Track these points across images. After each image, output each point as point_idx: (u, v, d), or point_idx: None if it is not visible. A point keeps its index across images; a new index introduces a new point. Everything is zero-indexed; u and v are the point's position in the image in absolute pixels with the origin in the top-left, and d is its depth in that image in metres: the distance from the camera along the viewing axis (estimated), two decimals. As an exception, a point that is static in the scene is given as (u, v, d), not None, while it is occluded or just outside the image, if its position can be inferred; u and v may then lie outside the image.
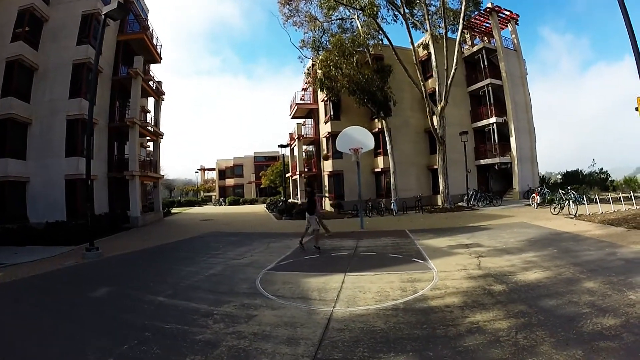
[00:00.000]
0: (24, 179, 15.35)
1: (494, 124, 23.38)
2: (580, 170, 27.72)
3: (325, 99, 24.33)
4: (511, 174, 23.65)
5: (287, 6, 22.79)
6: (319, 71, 20.62)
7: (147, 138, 22.81)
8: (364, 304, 4.67)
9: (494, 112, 23.41)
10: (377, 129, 22.54)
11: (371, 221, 15.77)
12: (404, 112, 23.72)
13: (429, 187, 24.41)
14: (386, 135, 21.37)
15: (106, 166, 18.02)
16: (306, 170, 27.90)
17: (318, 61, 21.02)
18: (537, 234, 9.63)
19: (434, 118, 20.53)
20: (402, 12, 20.26)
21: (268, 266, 7.22)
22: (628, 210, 12.57)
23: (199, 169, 61.38)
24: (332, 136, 24.01)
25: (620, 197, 14.50)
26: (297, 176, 28.27)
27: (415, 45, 21.27)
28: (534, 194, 17.90)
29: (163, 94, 22.87)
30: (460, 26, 19.88)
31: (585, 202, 13.39)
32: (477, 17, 24.30)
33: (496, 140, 23.42)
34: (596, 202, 13.77)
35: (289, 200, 27.22)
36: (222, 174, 56.82)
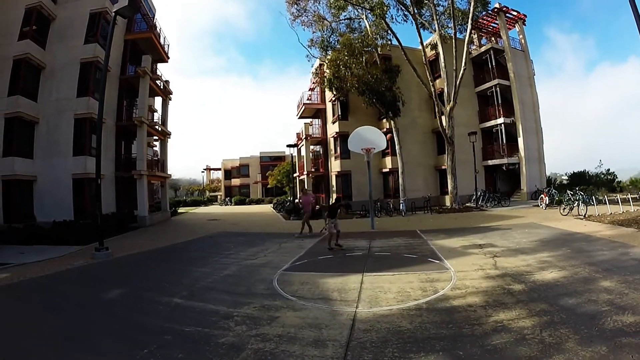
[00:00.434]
0: (31, 178, 15.55)
1: (502, 125, 23.57)
2: (587, 171, 27.86)
3: (333, 98, 24.56)
4: (519, 174, 23.84)
5: (295, 6, 23.02)
6: (328, 71, 20.81)
7: (155, 137, 22.96)
8: (386, 304, 4.79)
9: (501, 112, 23.60)
10: (385, 129, 22.66)
11: (380, 221, 15.95)
12: (412, 113, 23.94)
13: (436, 188, 24.66)
14: (394, 135, 21.55)
15: (114, 165, 18.21)
16: (313, 170, 28.14)
17: (327, 61, 21.24)
18: (549, 235, 9.82)
19: (443, 118, 20.72)
20: (412, 12, 20.49)
21: (283, 267, 7.34)
22: (637, 211, 12.75)
23: (204, 169, 61.72)
24: (340, 136, 24.37)
25: (628, 198, 14.70)
26: (305, 176, 28.53)
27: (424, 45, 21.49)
28: (542, 195, 18.09)
29: (170, 93, 23.02)
30: (469, 26, 20.10)
31: (594, 203, 13.58)
32: (484, 17, 24.51)
33: (504, 141, 23.60)
34: (605, 203, 13.97)
35: (297, 200, 27.47)
36: (228, 173, 57.35)
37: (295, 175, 27.49)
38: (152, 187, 23.13)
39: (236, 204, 44.39)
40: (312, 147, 29.43)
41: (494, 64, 24.36)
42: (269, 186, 45.47)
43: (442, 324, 4.05)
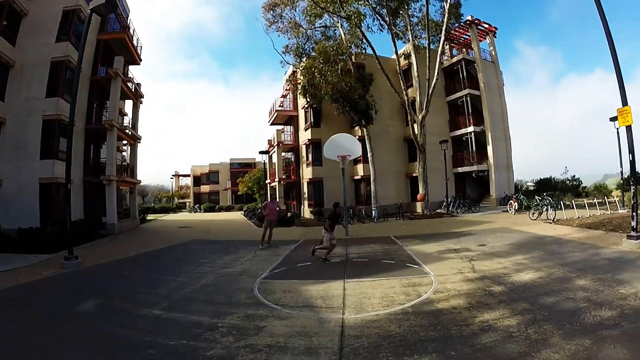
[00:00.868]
0: (-4, 182, 14.63)
1: (472, 133, 24.54)
2: (553, 178, 29.36)
3: (306, 106, 24.72)
4: (488, 181, 24.89)
5: (272, 12, 23.18)
6: (302, 78, 20.97)
7: (124, 142, 22.35)
8: (372, 309, 4.85)
9: (471, 121, 24.59)
10: (357, 137, 23.07)
11: (354, 228, 16.11)
12: (384, 121, 24.46)
13: (407, 195, 25.28)
14: (367, 142, 21.91)
15: (82, 170, 17.50)
16: (285, 177, 28.13)
17: (301, 68, 21.41)
18: (521, 238, 10.32)
19: (415, 126, 21.33)
20: (388, 22, 21.11)
21: (262, 275, 7.27)
22: (603, 215, 13.69)
23: (173, 175, 60.91)
24: (313, 143, 24.56)
25: (595, 203, 15.72)
26: (276, 183, 28.48)
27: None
28: (511, 201, 18.98)
29: (142, 96, 22.62)
30: (442, 37, 20.98)
31: (562, 208, 14.42)
32: (457, 29, 25.73)
33: (474, 149, 24.55)
34: (572, 208, 14.85)
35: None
36: (197, 180, 56.94)
37: (267, 182, 27.32)
38: (121, 193, 22.52)
39: (206, 211, 44.07)
40: (283, 154, 29.41)
41: (464, 74, 25.44)
42: (239, 193, 45.32)
43: (430, 326, 4.15)
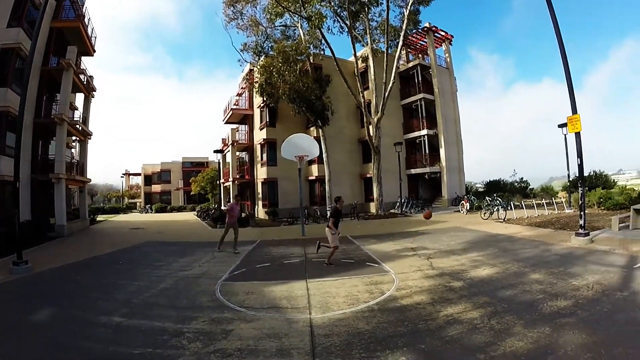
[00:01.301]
0: None
1: (425, 136, 25.56)
2: (502, 180, 31.18)
3: (262, 105, 24.53)
4: (440, 182, 26.07)
5: (232, 8, 22.69)
6: (260, 76, 20.76)
7: (75, 138, 21.25)
8: (338, 308, 4.88)
9: (425, 124, 25.62)
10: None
11: (309, 228, 16.10)
12: (339, 122, 24.82)
13: (361, 195, 25.85)
14: (322, 143, 22.09)
15: (29, 167, 16.05)
16: (239, 177, 27.69)
17: (259, 66, 21.22)
18: (475, 237, 10.89)
19: (370, 128, 21.83)
20: (349, 25, 21.46)
21: (222, 277, 7.06)
22: (550, 215, 14.89)
23: (124, 174, 58.26)
24: (268, 143, 24.38)
25: (543, 203, 17.03)
26: (230, 183, 27.95)
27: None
28: (463, 201, 20.03)
29: (94, 90, 21.55)
30: (400, 42, 21.64)
31: (512, 208, 15.47)
32: (414, 35, 26.72)
33: (427, 151, 25.59)
34: (521, 208, 15.99)
35: (222, 208, 26.70)
36: (149, 179, 54.90)
37: (220, 182, 26.72)
38: (70, 192, 21.36)
39: (157, 211, 42.99)
40: (238, 153, 28.99)
41: (420, 79, 26.44)
42: (192, 193, 44.53)
43: (398, 322, 4.25)
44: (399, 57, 22.65)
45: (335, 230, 8.03)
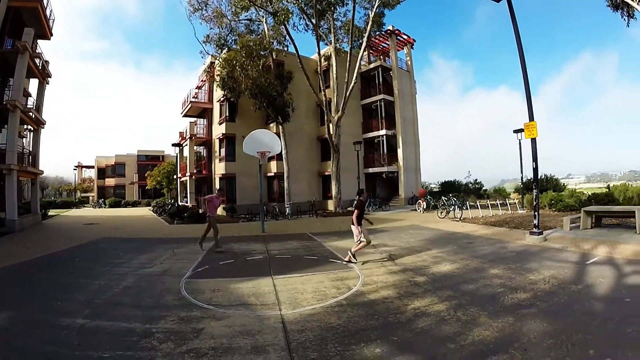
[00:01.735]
0: None
1: (384, 136, 26.23)
2: (457, 181, 32.56)
3: (222, 99, 24.06)
4: (397, 182, 26.89)
5: None
6: (223, 70, 20.32)
7: (27, 126, 19.95)
8: (307, 304, 4.88)
9: (384, 125, 26.28)
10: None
11: (268, 225, 16.03)
12: (299, 119, 24.83)
13: (319, 193, 26.13)
14: (282, 140, 22.00)
15: None
16: (196, 171, 27.00)
17: (221, 59, 20.77)
18: (433, 235, 11.34)
19: (331, 126, 22.06)
20: (314, 23, 21.51)
21: (185, 274, 6.84)
22: (504, 214, 15.82)
23: (76, 166, 54.93)
24: (227, 138, 23.95)
25: (497, 204, 18.03)
26: (187, 178, 27.17)
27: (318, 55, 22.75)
28: (420, 200, 20.76)
29: (49, 75, 20.25)
30: (364, 43, 22.02)
31: (468, 208, 16.27)
32: (377, 37, 27.29)
33: (385, 151, 26.28)
34: (476, 208, 16.84)
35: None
36: (102, 172, 52.35)
37: (178, 176, 25.84)
38: (21, 184, 20.10)
39: (111, 206, 41.56)
40: (196, 147, 28.25)
41: (380, 80, 27.04)
42: (147, 187, 43.12)
43: (368, 316, 4.33)
44: (362, 58, 23.03)
45: (360, 227, 7.67)
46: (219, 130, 24.87)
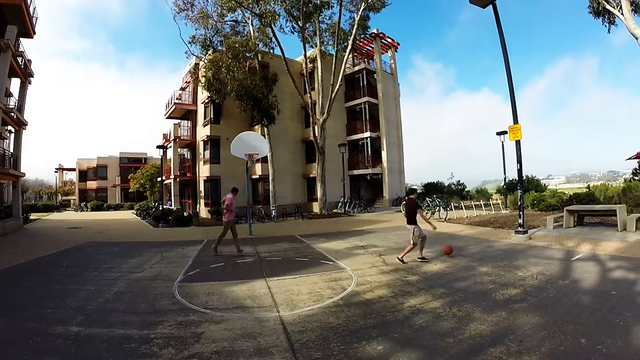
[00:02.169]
0: None
1: (368, 138, 26.51)
2: (440, 182, 33.30)
3: (206, 100, 23.91)
4: (381, 183, 27.25)
5: None
6: (208, 71, 20.21)
7: (9, 127, 19.45)
8: (305, 305, 4.95)
9: (368, 127, 26.58)
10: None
11: (255, 227, 16.02)
12: (284, 122, 24.90)
13: (304, 195, 26.21)
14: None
15: None
16: (180, 174, 26.71)
17: (207, 60, 20.66)
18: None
19: (316, 129, 22.17)
20: (301, 25, 21.66)
21: (177, 278, 6.80)
22: (488, 215, 16.22)
23: (57, 169, 53.56)
24: (211, 140, 23.78)
25: (481, 204, 18.44)
26: (171, 180, 26.82)
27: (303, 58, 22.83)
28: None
29: (32, 75, 19.76)
30: (349, 46, 22.27)
31: (452, 209, 16.62)
32: (362, 40, 27.59)
33: (369, 153, 26.56)
34: (461, 209, 17.21)
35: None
36: (84, 175, 51.23)
37: (162, 179, 25.48)
38: (1, 188, 19.85)
39: (93, 209, 40.52)
40: (180, 149, 27.93)
41: (365, 83, 27.36)
42: (130, 190, 42.34)
43: (366, 315, 4.44)
44: (347, 61, 23.26)
45: (418, 227, 7.95)
46: (203, 132, 24.66)
